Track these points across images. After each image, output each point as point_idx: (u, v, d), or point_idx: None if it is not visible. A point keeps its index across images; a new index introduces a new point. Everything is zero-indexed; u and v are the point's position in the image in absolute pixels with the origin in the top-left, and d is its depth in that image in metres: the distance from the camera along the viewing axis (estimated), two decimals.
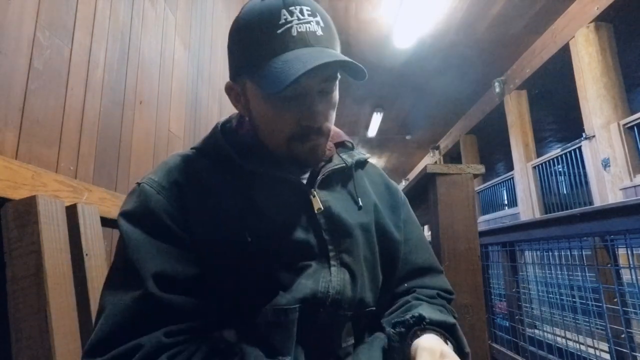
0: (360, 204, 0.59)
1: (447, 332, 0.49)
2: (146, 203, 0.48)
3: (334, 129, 0.64)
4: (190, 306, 0.45)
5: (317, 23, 0.49)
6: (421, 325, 0.48)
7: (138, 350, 0.40)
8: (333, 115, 0.55)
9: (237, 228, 0.49)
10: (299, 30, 0.47)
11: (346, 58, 0.47)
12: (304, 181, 0.56)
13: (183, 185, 0.51)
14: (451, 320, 0.50)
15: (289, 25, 0.47)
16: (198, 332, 0.45)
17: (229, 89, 0.57)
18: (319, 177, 0.56)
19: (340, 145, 0.64)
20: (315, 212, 0.53)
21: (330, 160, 0.59)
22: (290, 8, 0.48)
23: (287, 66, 0.45)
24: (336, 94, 0.55)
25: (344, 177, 0.61)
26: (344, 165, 0.59)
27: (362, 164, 0.66)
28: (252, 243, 0.49)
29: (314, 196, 0.54)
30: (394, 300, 0.59)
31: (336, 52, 0.50)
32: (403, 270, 0.62)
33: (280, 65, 0.46)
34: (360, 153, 0.65)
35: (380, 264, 0.58)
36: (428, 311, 0.52)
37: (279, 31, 0.47)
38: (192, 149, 0.58)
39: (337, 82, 0.54)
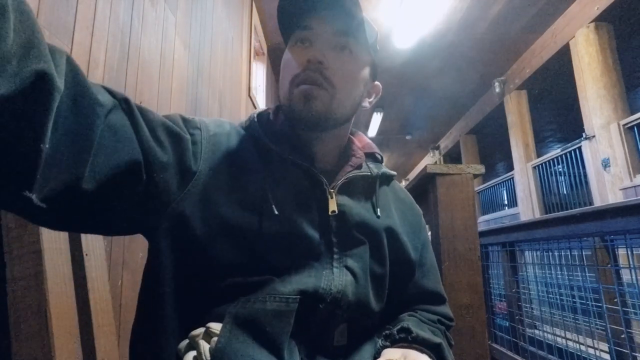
0: (379, 214, 0.59)
1: (432, 351, 0.50)
2: (185, 118, 0.52)
3: (366, 139, 0.67)
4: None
5: None
6: (408, 340, 0.49)
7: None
8: (347, 74, 0.57)
9: (261, 199, 0.51)
10: None
11: None
12: (327, 180, 0.56)
13: (224, 141, 0.54)
14: (436, 339, 0.51)
15: None
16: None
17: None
18: (342, 179, 0.57)
19: (370, 156, 0.65)
20: (329, 213, 0.53)
21: (358, 167, 0.60)
22: None
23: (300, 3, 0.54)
24: (357, 58, 0.57)
25: (367, 186, 0.61)
26: (369, 174, 0.60)
27: (387, 179, 0.66)
28: (278, 217, 0.50)
29: (332, 197, 0.54)
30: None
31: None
32: (411, 293, 0.63)
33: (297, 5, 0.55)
34: (387, 168, 0.66)
35: (390, 279, 0.59)
36: (415, 325, 0.52)
37: None
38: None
39: (360, 47, 0.57)
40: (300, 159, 0.55)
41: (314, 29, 0.55)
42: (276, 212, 0.49)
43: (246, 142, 0.56)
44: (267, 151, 0.55)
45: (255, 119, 0.58)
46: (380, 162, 0.66)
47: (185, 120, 0.52)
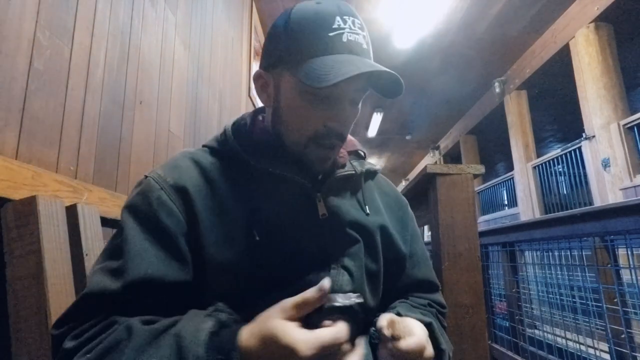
0: (368, 211, 0.60)
1: None
2: (148, 198, 0.49)
3: (348, 137, 0.66)
4: (164, 309, 0.45)
5: (364, 37, 0.52)
6: None
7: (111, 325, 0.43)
8: (354, 120, 0.57)
9: (245, 226, 0.50)
10: (349, 38, 0.50)
11: (392, 71, 0.50)
12: (312, 184, 0.56)
13: (189, 183, 0.52)
14: (427, 319, 0.52)
15: (341, 31, 0.50)
16: None
17: (257, 77, 0.58)
18: (327, 182, 0.57)
19: (353, 154, 0.65)
20: (320, 217, 0.54)
21: (342, 166, 0.61)
22: (344, 17, 0.50)
23: (337, 66, 0.47)
24: (359, 108, 0.57)
25: (352, 184, 0.62)
26: (353, 172, 0.61)
27: (372, 174, 0.67)
28: (260, 242, 0.50)
29: (320, 201, 0.55)
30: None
31: (379, 65, 0.52)
32: (404, 284, 0.63)
33: (329, 64, 0.48)
34: (371, 164, 0.67)
35: (384, 274, 0.59)
36: (405, 310, 0.53)
37: (331, 34, 0.49)
38: (203, 146, 0.59)
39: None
40: (283, 169, 0.54)
41: (341, 87, 0.52)
42: (257, 238, 0.50)
43: (217, 166, 0.55)
44: (246, 166, 0.54)
45: (231, 133, 0.57)
46: (364, 158, 0.66)
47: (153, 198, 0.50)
